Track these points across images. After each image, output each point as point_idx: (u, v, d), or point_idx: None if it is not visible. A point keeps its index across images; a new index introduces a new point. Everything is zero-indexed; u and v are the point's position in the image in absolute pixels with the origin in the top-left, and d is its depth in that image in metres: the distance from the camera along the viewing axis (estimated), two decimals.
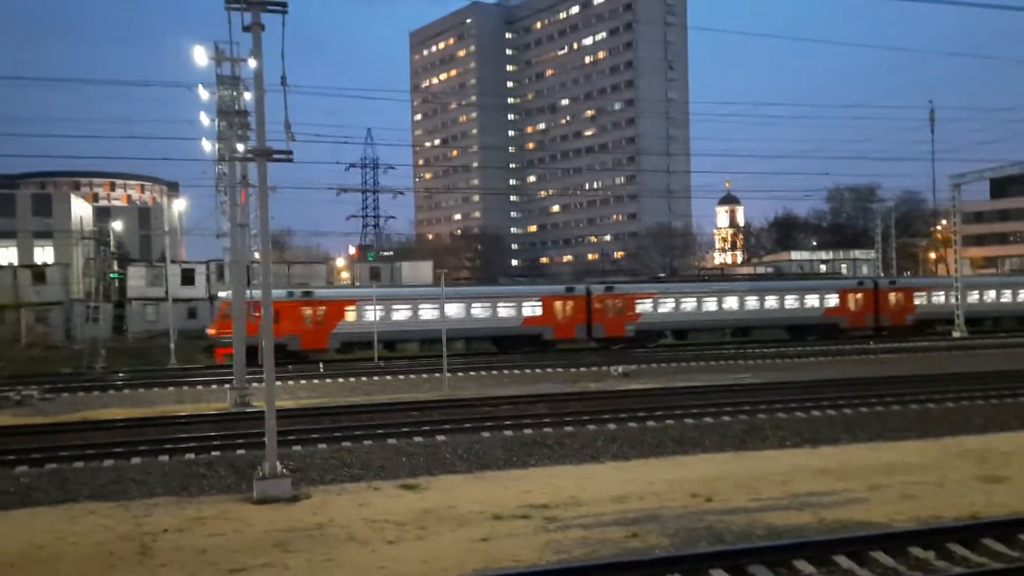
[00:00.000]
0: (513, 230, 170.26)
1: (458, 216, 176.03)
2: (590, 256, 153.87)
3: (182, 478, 16.06)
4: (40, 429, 22.19)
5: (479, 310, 45.79)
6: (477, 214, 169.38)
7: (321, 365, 37.45)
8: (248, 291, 31.76)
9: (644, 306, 48.73)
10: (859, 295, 53.15)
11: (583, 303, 47.77)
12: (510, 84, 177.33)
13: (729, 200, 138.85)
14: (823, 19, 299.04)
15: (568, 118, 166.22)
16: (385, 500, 14.44)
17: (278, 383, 25.95)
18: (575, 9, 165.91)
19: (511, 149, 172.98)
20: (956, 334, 52.16)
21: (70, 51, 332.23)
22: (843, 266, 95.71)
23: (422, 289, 48.63)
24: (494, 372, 35.59)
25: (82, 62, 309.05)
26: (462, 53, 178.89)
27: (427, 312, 44.71)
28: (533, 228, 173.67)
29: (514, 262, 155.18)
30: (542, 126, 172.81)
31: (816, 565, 10.23)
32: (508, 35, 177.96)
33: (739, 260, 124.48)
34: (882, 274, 74.97)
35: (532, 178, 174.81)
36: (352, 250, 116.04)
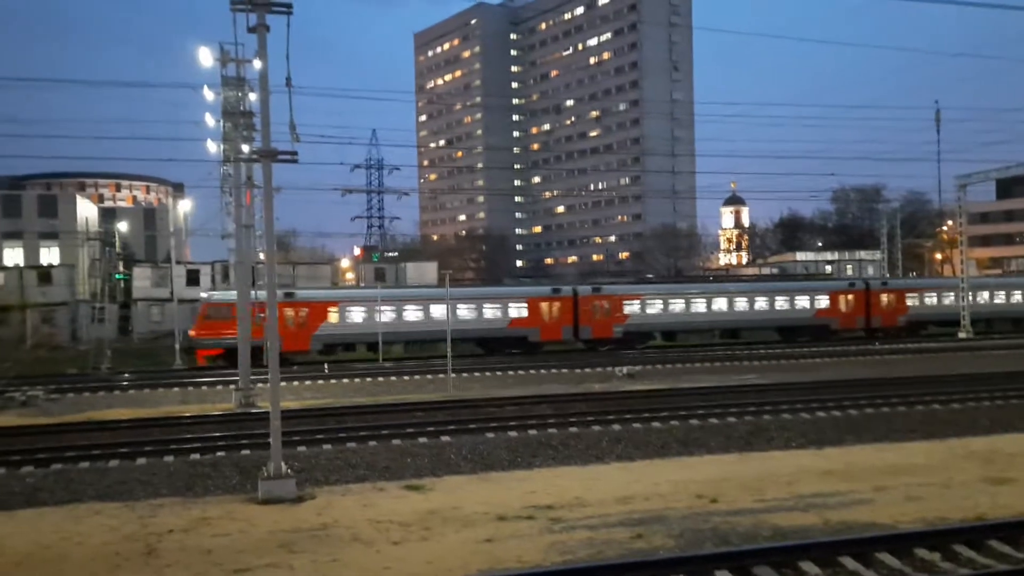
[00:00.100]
0: (518, 231, 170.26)
1: (463, 217, 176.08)
2: (595, 257, 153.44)
3: (187, 478, 16.08)
4: (45, 429, 22.24)
5: (465, 311, 45.09)
6: (482, 215, 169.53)
7: (326, 366, 37.49)
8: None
9: (632, 307, 48.32)
10: (850, 296, 52.76)
11: (570, 304, 47.28)
12: (515, 85, 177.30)
13: (734, 201, 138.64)
14: (825, 19, 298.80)
15: (573, 119, 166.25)
16: (390, 501, 14.44)
17: (283, 384, 25.95)
18: (580, 10, 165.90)
19: (516, 150, 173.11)
20: (962, 335, 51.99)
21: (70, 51, 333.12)
22: (849, 267, 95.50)
23: (406, 290, 48.38)
24: (498, 373, 35.62)
25: (82, 62, 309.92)
26: (467, 54, 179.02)
27: (412, 313, 44.42)
28: (538, 229, 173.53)
29: (519, 263, 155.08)
30: (547, 127, 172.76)
31: (821, 566, 10.21)
32: (513, 36, 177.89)
33: (744, 261, 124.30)
34: (887, 275, 74.80)
35: (537, 179, 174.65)
36: (357, 251, 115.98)
